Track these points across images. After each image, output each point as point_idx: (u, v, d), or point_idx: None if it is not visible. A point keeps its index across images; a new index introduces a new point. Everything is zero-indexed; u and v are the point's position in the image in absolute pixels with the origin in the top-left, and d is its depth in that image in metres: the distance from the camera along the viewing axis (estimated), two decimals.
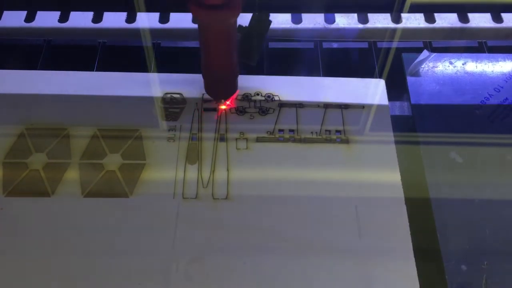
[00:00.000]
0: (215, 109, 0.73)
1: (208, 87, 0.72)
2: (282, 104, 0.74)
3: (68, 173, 0.67)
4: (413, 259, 0.61)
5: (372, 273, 0.60)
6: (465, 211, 0.65)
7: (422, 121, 0.72)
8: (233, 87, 0.72)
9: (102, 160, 0.68)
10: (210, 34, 0.63)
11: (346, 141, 0.70)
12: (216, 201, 0.65)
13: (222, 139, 0.71)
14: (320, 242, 0.62)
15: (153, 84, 0.76)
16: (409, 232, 0.63)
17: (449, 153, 0.69)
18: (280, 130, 0.71)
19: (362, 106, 0.74)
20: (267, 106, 0.74)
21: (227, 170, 0.68)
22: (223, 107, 0.73)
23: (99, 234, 0.62)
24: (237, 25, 0.65)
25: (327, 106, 0.74)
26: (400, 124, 0.73)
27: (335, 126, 0.72)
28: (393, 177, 0.67)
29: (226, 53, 0.65)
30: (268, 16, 0.72)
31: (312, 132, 0.71)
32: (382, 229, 0.63)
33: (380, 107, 0.74)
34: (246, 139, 0.70)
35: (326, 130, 0.71)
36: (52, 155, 0.69)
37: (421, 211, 0.65)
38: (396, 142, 0.70)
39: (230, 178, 0.67)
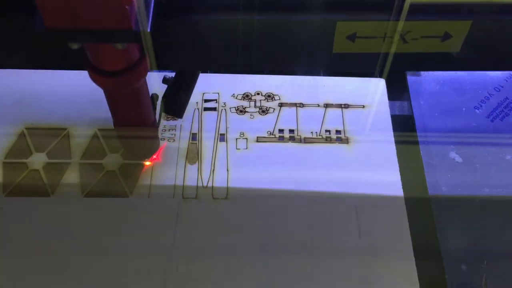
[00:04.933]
0: (215, 109, 0.73)
1: (127, 149, 0.67)
2: (282, 104, 0.74)
3: (68, 173, 0.67)
4: (413, 259, 0.61)
5: (372, 273, 0.60)
6: (465, 211, 0.65)
7: (422, 121, 0.72)
8: (155, 144, 0.67)
9: (102, 160, 0.68)
10: (116, 100, 0.56)
11: (346, 141, 0.70)
12: (216, 201, 0.65)
13: (222, 139, 0.71)
14: (320, 242, 0.62)
15: (154, 84, 0.75)
16: (409, 232, 0.63)
17: (449, 153, 0.69)
18: (280, 130, 0.71)
19: (362, 106, 0.74)
20: (267, 106, 0.74)
21: (227, 170, 0.68)
22: (147, 163, 0.68)
23: (99, 234, 0.62)
24: (163, 76, 0.59)
25: (327, 105, 0.74)
26: (400, 124, 0.73)
27: (335, 126, 0.72)
28: (393, 177, 0.67)
29: (138, 116, 0.59)
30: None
31: (312, 132, 0.71)
32: (382, 229, 0.63)
33: (380, 106, 0.73)
34: (246, 139, 0.70)
35: (326, 130, 0.71)
36: (52, 155, 0.69)
37: (421, 211, 0.65)
38: (396, 142, 0.70)
39: (230, 178, 0.67)
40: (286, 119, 0.72)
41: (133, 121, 0.59)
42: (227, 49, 0.45)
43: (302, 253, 0.61)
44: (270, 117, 0.73)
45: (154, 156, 0.68)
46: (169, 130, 0.71)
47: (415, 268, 0.60)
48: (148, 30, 0.38)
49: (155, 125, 0.63)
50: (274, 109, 0.73)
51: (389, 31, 0.41)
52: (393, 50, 0.42)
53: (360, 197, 0.65)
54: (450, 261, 0.61)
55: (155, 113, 0.61)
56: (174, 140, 0.70)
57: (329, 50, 0.43)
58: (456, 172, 0.67)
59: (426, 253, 0.62)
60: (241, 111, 0.73)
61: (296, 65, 0.52)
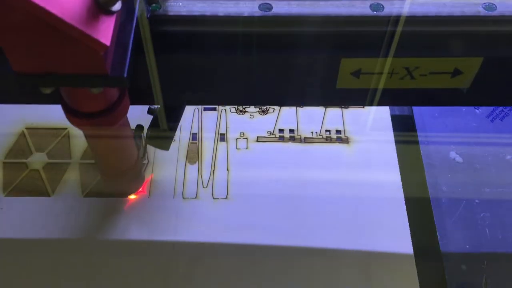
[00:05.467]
0: (215, 109, 0.73)
1: (111, 188, 0.66)
2: None
3: (68, 173, 0.67)
4: (413, 259, 0.61)
5: (372, 273, 0.60)
6: (465, 211, 0.65)
7: (422, 121, 0.72)
8: (140, 179, 0.65)
9: None
10: (96, 140, 0.53)
11: (346, 141, 0.70)
12: (216, 201, 0.65)
13: (222, 139, 0.71)
14: (320, 242, 0.62)
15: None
16: (409, 232, 0.63)
17: (449, 153, 0.69)
18: (280, 130, 0.71)
19: (362, 106, 0.74)
20: (267, 106, 0.74)
21: (227, 170, 0.68)
22: (132, 196, 0.66)
23: (99, 234, 0.62)
24: (148, 107, 0.55)
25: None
26: (400, 124, 0.73)
27: (335, 126, 0.72)
28: (393, 177, 0.67)
29: (120, 154, 0.56)
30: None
31: (312, 132, 0.71)
32: (382, 229, 0.63)
33: (380, 107, 0.73)
34: (246, 139, 0.70)
35: (326, 130, 0.71)
36: (52, 155, 0.69)
37: (421, 211, 0.65)
38: (396, 142, 0.70)
39: (230, 178, 0.67)
40: (286, 119, 0.72)
41: (115, 160, 0.57)
42: (230, 84, 0.44)
43: (302, 253, 0.61)
44: (270, 117, 0.73)
45: (140, 189, 0.66)
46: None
47: (415, 268, 0.60)
48: (125, 75, 0.36)
49: (139, 160, 0.60)
50: (274, 109, 0.73)
51: (396, 67, 0.40)
52: (399, 86, 0.42)
53: (360, 197, 0.65)
54: (450, 261, 0.61)
55: (140, 146, 0.58)
56: (174, 140, 0.70)
57: (332, 86, 0.42)
58: (456, 172, 0.67)
59: (426, 253, 0.62)
60: (241, 111, 0.73)
61: (296, 101, 0.52)
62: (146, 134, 0.57)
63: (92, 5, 0.33)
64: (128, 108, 0.47)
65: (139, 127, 0.57)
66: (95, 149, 0.56)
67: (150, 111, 0.56)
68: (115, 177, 0.61)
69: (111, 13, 0.34)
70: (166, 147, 0.60)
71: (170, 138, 0.59)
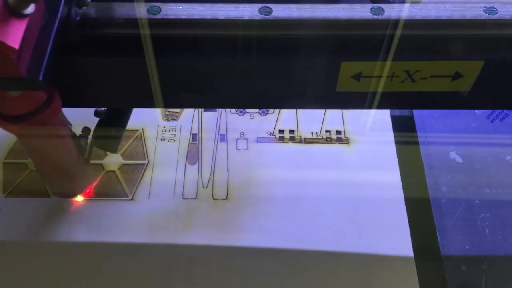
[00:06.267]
0: (215, 110, 0.73)
1: (53, 190, 0.64)
2: None
3: None
4: (413, 259, 0.61)
5: (372, 273, 0.60)
6: (465, 211, 0.65)
7: (422, 121, 0.72)
8: (84, 180, 0.63)
9: (102, 160, 0.68)
10: (30, 143, 0.51)
11: (346, 142, 0.70)
12: (216, 201, 0.65)
13: (222, 139, 0.71)
14: (319, 242, 0.62)
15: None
16: (409, 232, 0.63)
17: (449, 153, 0.69)
18: (280, 131, 0.71)
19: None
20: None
21: (227, 170, 0.68)
22: (79, 198, 0.65)
23: (99, 234, 0.62)
24: (95, 109, 0.55)
25: None
26: (400, 124, 0.73)
27: (335, 126, 0.72)
28: (393, 177, 0.67)
29: (57, 158, 0.54)
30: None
31: (312, 133, 0.71)
32: (382, 229, 0.63)
33: None
34: (246, 140, 0.70)
35: (326, 131, 0.71)
36: None
37: (421, 211, 0.65)
38: (396, 143, 0.70)
39: (230, 178, 0.67)
40: (286, 120, 0.72)
41: (54, 163, 0.55)
42: (230, 87, 0.43)
43: (302, 253, 0.61)
44: (270, 117, 0.73)
45: (87, 190, 0.65)
46: (169, 130, 0.71)
47: (415, 268, 0.60)
48: (40, 78, 0.34)
49: (80, 161, 0.57)
50: (274, 109, 0.73)
51: (396, 71, 0.40)
52: (400, 89, 0.42)
53: (360, 197, 0.65)
54: (450, 261, 0.61)
55: (85, 148, 0.57)
56: (174, 140, 0.70)
57: (332, 89, 0.42)
58: (456, 173, 0.67)
59: (426, 253, 0.62)
60: (241, 111, 0.73)
61: (296, 104, 0.52)
62: (92, 136, 0.56)
63: (2, 8, 0.32)
64: (58, 110, 0.46)
65: (86, 129, 0.57)
66: (32, 152, 0.54)
67: (96, 113, 0.55)
68: (53, 178, 0.59)
69: (23, 16, 0.33)
70: (114, 149, 0.60)
71: (117, 140, 0.58)
